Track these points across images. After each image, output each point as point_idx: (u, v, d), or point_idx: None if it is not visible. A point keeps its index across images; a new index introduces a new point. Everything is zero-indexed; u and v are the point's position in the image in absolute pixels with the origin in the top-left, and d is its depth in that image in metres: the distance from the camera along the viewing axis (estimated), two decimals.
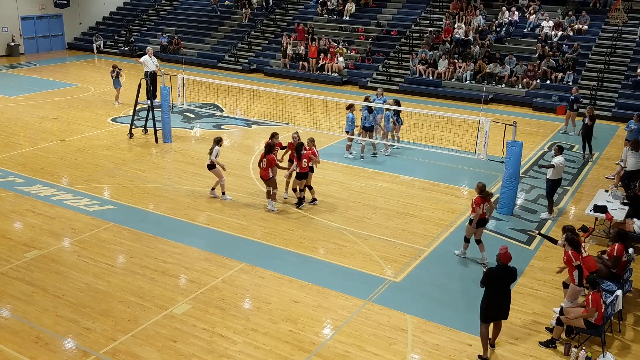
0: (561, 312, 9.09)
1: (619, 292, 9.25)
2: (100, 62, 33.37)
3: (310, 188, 13.86)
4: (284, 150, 14.07)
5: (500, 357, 8.74)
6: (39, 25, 35.72)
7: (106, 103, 23.21)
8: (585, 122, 17.99)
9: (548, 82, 24.99)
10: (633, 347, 9.10)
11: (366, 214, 13.49)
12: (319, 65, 29.00)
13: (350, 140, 17.29)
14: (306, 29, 30.61)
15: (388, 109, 17.27)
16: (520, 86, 25.18)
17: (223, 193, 13.98)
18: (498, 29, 28.23)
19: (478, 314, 8.52)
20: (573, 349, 8.72)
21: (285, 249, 11.81)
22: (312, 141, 13.73)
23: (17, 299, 9.85)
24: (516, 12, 28.65)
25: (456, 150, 16.28)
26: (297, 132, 14.05)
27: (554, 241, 10.33)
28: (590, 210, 12.54)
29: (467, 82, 25.95)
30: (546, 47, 25.93)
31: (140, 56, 23.57)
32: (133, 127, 18.97)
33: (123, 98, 23.26)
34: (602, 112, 22.55)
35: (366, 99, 17.93)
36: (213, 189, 14.09)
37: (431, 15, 30.43)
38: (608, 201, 12.92)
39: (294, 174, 13.54)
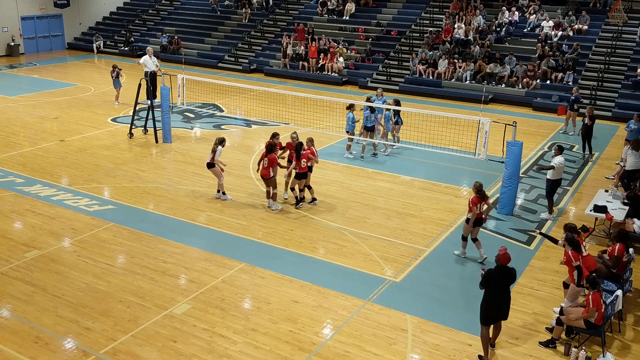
0: (561, 312, 9.09)
1: (619, 292, 9.25)
2: (100, 62, 33.37)
3: (310, 188, 13.87)
4: (282, 150, 14.07)
5: (500, 357, 8.74)
6: (39, 25, 35.72)
7: (106, 103, 23.21)
8: (585, 122, 18.00)
9: (548, 82, 24.99)
10: (633, 347, 9.10)
11: (366, 214, 13.49)
12: (319, 65, 29.00)
13: (351, 140, 17.29)
14: (306, 29, 30.61)
15: (388, 109, 17.27)
16: (520, 86, 25.18)
17: (223, 193, 13.97)
18: (498, 29, 28.23)
19: (478, 314, 8.51)
20: (573, 349, 8.72)
21: (285, 249, 11.81)
22: (311, 141, 13.74)
23: (17, 299, 9.85)
24: (516, 12, 28.65)
25: (456, 150, 16.28)
26: (295, 132, 14.07)
27: (555, 241, 10.35)
28: (590, 210, 12.54)
29: (467, 82, 25.95)
30: (546, 47, 25.93)
31: (140, 56, 23.60)
32: (133, 127, 18.97)
33: (123, 98, 23.27)
34: (602, 112, 22.56)
35: (368, 99, 17.94)
36: (219, 191, 14.05)
37: (431, 15, 30.44)
38: (608, 201, 12.92)
39: (293, 173, 13.54)
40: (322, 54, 29.16)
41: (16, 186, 14.62)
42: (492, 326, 8.66)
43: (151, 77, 19.87)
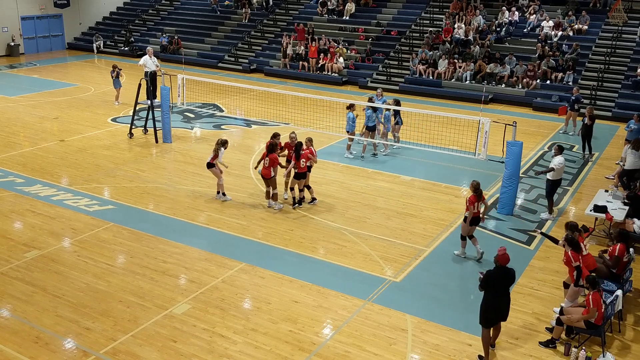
0: (561, 312, 9.09)
1: (619, 292, 9.25)
2: (100, 62, 33.37)
3: (309, 188, 13.87)
4: (280, 150, 14.05)
5: (500, 357, 8.74)
6: (39, 25, 35.72)
7: (106, 103, 23.21)
8: (585, 122, 18.00)
9: (548, 82, 24.99)
10: (633, 347, 9.10)
11: (366, 214, 13.49)
12: (319, 65, 29.00)
13: (351, 140, 17.28)
14: (306, 29, 30.61)
15: (388, 109, 17.28)
16: (520, 86, 25.18)
17: (223, 194, 13.94)
18: (498, 29, 28.23)
19: (478, 314, 8.50)
20: (573, 349, 8.72)
21: (285, 249, 11.81)
22: (310, 141, 13.76)
23: (17, 299, 9.85)
24: (516, 12, 28.65)
25: (456, 150, 16.28)
26: (294, 132, 14.08)
27: (556, 241, 10.34)
28: (590, 210, 12.54)
29: (467, 82, 25.95)
30: (546, 47, 25.93)
31: (140, 56, 23.59)
32: (133, 127, 18.97)
33: (123, 98, 23.27)
34: (602, 112, 22.55)
35: (370, 99, 17.96)
36: (218, 192, 14.02)
37: (431, 15, 30.43)
38: (608, 201, 12.92)
39: (292, 173, 13.55)
40: (322, 54, 29.16)
41: (16, 186, 14.62)
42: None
43: (151, 77, 19.88)
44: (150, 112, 18.47)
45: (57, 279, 10.47)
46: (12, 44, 33.99)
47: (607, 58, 25.42)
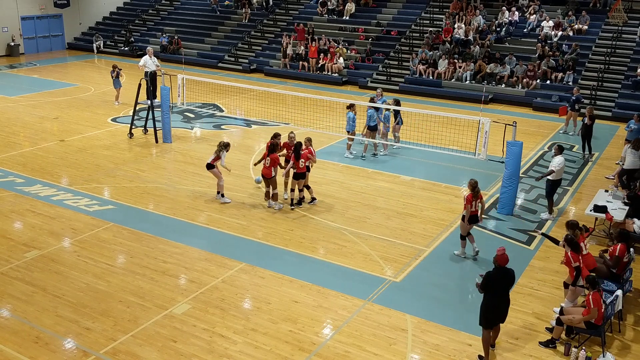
0: (561, 312, 9.09)
1: (619, 292, 9.25)
2: (100, 62, 33.37)
3: (308, 187, 13.87)
4: (279, 150, 14.05)
5: (500, 357, 8.74)
6: (39, 25, 35.72)
7: (106, 103, 23.21)
8: (585, 122, 18.00)
9: (548, 82, 24.99)
10: (633, 347, 9.10)
11: (366, 214, 13.49)
12: (319, 65, 29.00)
13: (351, 139, 17.28)
14: (306, 29, 30.61)
15: (387, 109, 17.28)
16: (520, 86, 25.17)
17: (222, 195, 13.91)
18: (498, 29, 28.23)
19: (477, 314, 8.49)
20: (573, 349, 8.72)
21: (285, 249, 11.81)
22: (309, 140, 13.76)
23: (17, 299, 9.85)
24: (516, 12, 28.65)
25: (456, 150, 16.28)
26: (293, 132, 14.08)
27: (556, 242, 10.31)
28: (590, 210, 12.54)
29: (467, 82, 25.95)
30: (546, 47, 25.93)
31: (140, 56, 23.58)
32: (133, 127, 18.97)
33: (123, 98, 23.27)
34: (602, 112, 22.56)
35: (372, 100, 17.97)
36: (218, 192, 13.99)
37: (431, 15, 30.43)
38: (608, 201, 12.93)
39: (291, 173, 13.56)
40: (322, 54, 29.16)
41: (16, 186, 14.62)
42: None
43: (151, 77, 19.88)
44: (150, 112, 18.47)
45: (57, 279, 10.47)
46: (12, 44, 34.00)
47: (607, 58, 25.42)
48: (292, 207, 13.62)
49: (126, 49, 34.70)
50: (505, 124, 13.77)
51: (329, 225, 12.90)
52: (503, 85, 25.48)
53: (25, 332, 9.00)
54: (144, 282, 10.45)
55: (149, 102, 18.52)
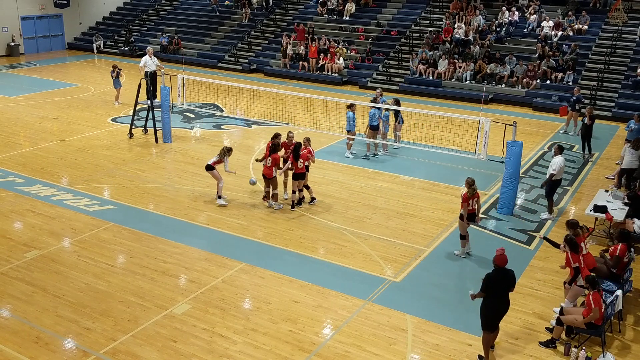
0: (561, 312, 9.08)
1: (619, 292, 9.24)
2: (100, 62, 33.37)
3: (308, 187, 13.87)
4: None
5: (500, 357, 8.74)
6: (39, 25, 35.72)
7: (106, 103, 23.21)
8: (585, 122, 18.01)
9: (548, 82, 24.99)
10: (633, 347, 9.10)
11: (366, 214, 13.49)
12: (319, 65, 29.00)
13: (351, 139, 17.27)
14: (306, 29, 30.61)
15: (387, 109, 17.29)
16: (520, 86, 25.17)
17: (220, 197, 13.84)
18: (498, 29, 28.23)
19: (477, 313, 8.48)
20: (573, 349, 8.72)
21: (285, 249, 11.81)
22: (308, 140, 13.76)
23: (17, 299, 9.85)
24: (516, 12, 28.65)
25: (456, 150, 16.28)
26: (292, 132, 14.07)
27: (557, 246, 10.21)
28: (590, 210, 12.54)
29: (467, 82, 25.95)
30: (546, 47, 25.93)
31: (140, 57, 23.57)
32: (133, 127, 18.97)
33: (123, 98, 23.27)
34: (602, 112, 22.56)
35: (374, 100, 17.98)
36: (217, 194, 13.96)
37: (431, 15, 30.43)
38: (608, 201, 12.93)
39: (290, 173, 13.56)
40: (322, 54, 29.16)
41: (16, 186, 14.62)
42: None
43: (151, 77, 19.88)
44: (150, 112, 18.47)
45: (57, 279, 10.47)
46: (12, 44, 34.00)
47: (607, 58, 25.42)
48: (293, 208, 13.62)
49: (126, 49, 34.70)
50: (505, 124, 13.78)
51: (329, 225, 12.90)
52: (503, 85, 25.48)
53: (25, 332, 9.00)
54: (144, 282, 10.45)
55: (149, 102, 18.52)
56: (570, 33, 26.92)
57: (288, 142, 13.82)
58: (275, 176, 13.33)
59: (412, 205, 14.07)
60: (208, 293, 10.13)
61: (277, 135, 13.79)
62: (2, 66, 30.99)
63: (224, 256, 11.41)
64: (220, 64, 31.59)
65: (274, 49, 31.43)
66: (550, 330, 9.20)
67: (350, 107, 16.94)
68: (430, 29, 29.11)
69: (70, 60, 33.79)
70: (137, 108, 18.92)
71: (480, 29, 28.14)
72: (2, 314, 9.46)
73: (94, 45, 35.72)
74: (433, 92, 26.06)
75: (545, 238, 10.59)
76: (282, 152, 14.01)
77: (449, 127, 18.37)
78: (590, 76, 24.97)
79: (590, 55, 26.02)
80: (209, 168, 13.64)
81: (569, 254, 9.32)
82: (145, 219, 12.99)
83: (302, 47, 29.85)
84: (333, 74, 28.52)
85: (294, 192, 13.65)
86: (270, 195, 13.55)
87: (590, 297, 8.56)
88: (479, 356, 8.61)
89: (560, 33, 26.82)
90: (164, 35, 34.04)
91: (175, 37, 33.33)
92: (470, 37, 27.90)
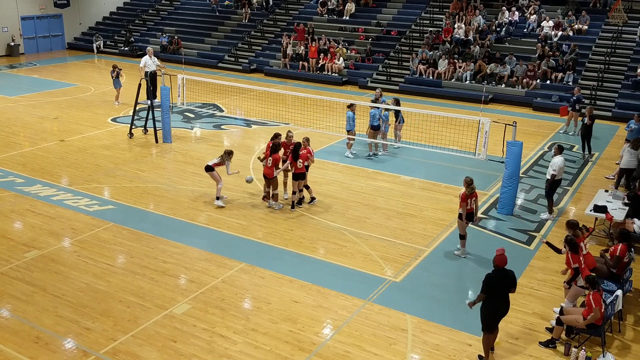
0: (561, 312, 9.08)
1: (619, 292, 9.24)
2: (100, 62, 33.37)
3: (308, 187, 13.87)
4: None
5: (500, 357, 8.73)
6: (39, 25, 35.72)
7: (106, 103, 23.21)
8: (585, 121, 18.01)
9: (548, 82, 24.99)
10: (633, 347, 9.10)
11: (366, 214, 13.49)
12: (319, 65, 29.00)
13: (351, 139, 17.27)
14: (306, 29, 30.61)
15: (387, 110, 17.28)
16: (520, 86, 25.17)
17: (217, 198, 13.77)
18: (498, 29, 28.23)
19: (478, 314, 8.48)
20: (573, 349, 8.72)
21: (285, 249, 11.81)
22: (307, 140, 13.76)
23: (17, 299, 9.85)
24: (516, 12, 28.66)
25: (456, 150, 16.28)
26: (291, 131, 14.06)
27: (558, 250, 10.15)
28: (590, 210, 12.54)
29: (467, 82, 25.95)
30: (546, 47, 25.93)
31: (140, 57, 23.56)
32: (133, 127, 18.97)
33: (123, 98, 23.27)
34: (602, 112, 22.55)
35: (376, 100, 17.97)
36: (217, 197, 13.93)
37: (431, 15, 30.43)
38: (608, 201, 12.93)
39: (290, 174, 13.55)
40: (322, 54, 29.16)
41: (16, 186, 14.62)
42: None
43: (151, 77, 19.89)
44: (150, 112, 18.48)
45: (57, 279, 10.47)
46: (12, 44, 34.00)
47: (607, 58, 25.42)
48: (293, 208, 13.61)
49: (126, 49, 34.70)
50: (505, 124, 13.78)
51: (328, 225, 12.90)
52: (503, 85, 25.48)
53: (25, 332, 9.00)
54: (144, 282, 10.45)
55: (149, 102, 18.53)
56: (570, 33, 26.92)
57: (287, 141, 13.82)
58: (276, 176, 13.33)
59: (412, 205, 14.07)
60: (208, 293, 10.13)
61: (277, 135, 13.79)
62: (2, 66, 31.00)
63: (224, 256, 11.41)
64: (220, 64, 31.59)
65: (274, 49, 31.43)
66: (550, 330, 9.20)
67: (350, 107, 16.95)
68: (430, 29, 29.11)
69: (70, 60, 33.79)
70: (137, 108, 18.92)
71: (480, 29, 28.14)
72: (2, 314, 9.46)
73: (94, 45, 35.73)
74: (433, 92, 26.06)
75: (547, 242, 10.50)
76: (281, 152, 14.02)
77: (449, 127, 18.37)
78: (590, 76, 24.97)
79: (590, 55, 26.02)
80: (209, 169, 13.63)
81: (569, 254, 9.32)
82: (145, 219, 12.99)
83: (302, 47, 29.85)
84: (333, 74, 28.52)
85: (294, 192, 13.65)
86: (271, 196, 13.56)
87: (591, 297, 8.56)
88: (479, 356, 8.61)
89: (560, 33, 26.82)
90: (164, 35, 34.04)
91: (175, 37, 33.33)
92: (470, 37, 27.90)
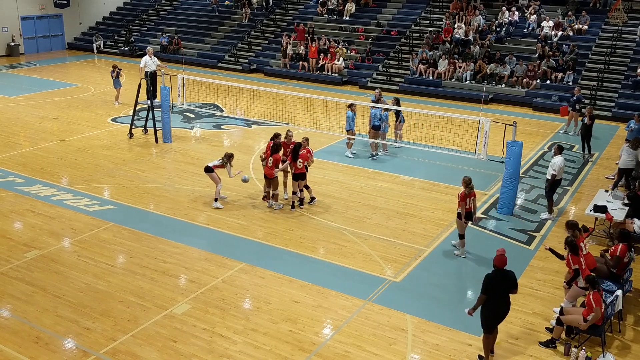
0: (561, 312, 9.08)
1: (619, 292, 9.25)
2: (100, 62, 33.37)
3: (307, 187, 13.87)
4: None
5: (500, 357, 8.73)
6: (39, 25, 35.72)
7: (106, 103, 23.21)
8: (585, 121, 18.01)
9: (548, 82, 24.99)
10: (633, 347, 9.10)
11: (366, 214, 13.49)
12: (319, 65, 29.00)
13: (351, 139, 17.26)
14: (306, 29, 30.61)
15: (386, 110, 17.29)
16: (520, 86, 25.17)
17: (215, 199, 13.72)
18: (498, 29, 28.23)
19: (478, 314, 8.48)
20: (573, 349, 8.72)
21: (285, 249, 11.81)
22: (306, 140, 13.76)
23: (17, 299, 9.85)
24: (516, 12, 28.66)
25: (456, 150, 16.28)
26: (290, 131, 14.06)
27: (561, 257, 10.10)
28: (590, 210, 12.54)
29: (467, 82, 25.95)
30: (546, 47, 25.93)
31: (140, 56, 23.56)
32: (133, 127, 18.97)
33: (123, 98, 23.27)
34: (602, 112, 22.55)
35: (377, 100, 17.96)
36: (215, 199, 13.90)
37: (431, 15, 30.43)
38: (608, 201, 12.93)
39: (290, 174, 13.55)
40: (322, 54, 29.16)
41: (16, 186, 14.62)
42: None
43: (151, 77, 19.89)
44: (150, 112, 18.48)
45: (57, 279, 10.47)
46: (12, 44, 34.00)
47: (607, 58, 25.42)
48: (293, 208, 13.62)
49: (126, 49, 34.70)
50: (505, 124, 13.78)
51: (328, 225, 12.90)
52: (503, 85, 25.48)
53: (25, 332, 9.00)
54: (144, 282, 10.45)
55: (149, 102, 18.53)
56: (570, 33, 26.92)
57: (287, 141, 13.82)
58: (277, 176, 13.33)
59: (412, 205, 14.07)
60: (208, 293, 10.13)
61: (277, 136, 13.77)
62: (2, 66, 31.00)
63: (224, 256, 11.41)
64: (220, 64, 31.59)
65: (274, 49, 31.43)
66: (550, 330, 9.20)
67: (351, 106, 16.95)
68: (430, 29, 29.11)
69: (70, 60, 33.79)
70: (137, 108, 18.92)
71: (480, 29, 28.14)
72: (2, 314, 9.46)
73: (94, 45, 35.73)
74: (433, 92, 26.06)
75: (549, 249, 10.39)
76: (281, 152, 14.02)
77: (449, 127, 18.37)
78: (590, 76, 24.97)
79: (590, 55, 26.02)
80: (208, 170, 13.60)
81: (569, 255, 9.32)
82: (145, 219, 12.99)
83: (302, 47, 29.85)
84: (333, 74, 28.52)
85: (294, 192, 13.65)
86: (271, 196, 13.56)
87: (591, 297, 8.55)
88: (479, 356, 8.61)
89: (560, 33, 26.82)
90: (164, 35, 34.03)
91: (175, 37, 33.33)
92: (470, 37, 27.90)
